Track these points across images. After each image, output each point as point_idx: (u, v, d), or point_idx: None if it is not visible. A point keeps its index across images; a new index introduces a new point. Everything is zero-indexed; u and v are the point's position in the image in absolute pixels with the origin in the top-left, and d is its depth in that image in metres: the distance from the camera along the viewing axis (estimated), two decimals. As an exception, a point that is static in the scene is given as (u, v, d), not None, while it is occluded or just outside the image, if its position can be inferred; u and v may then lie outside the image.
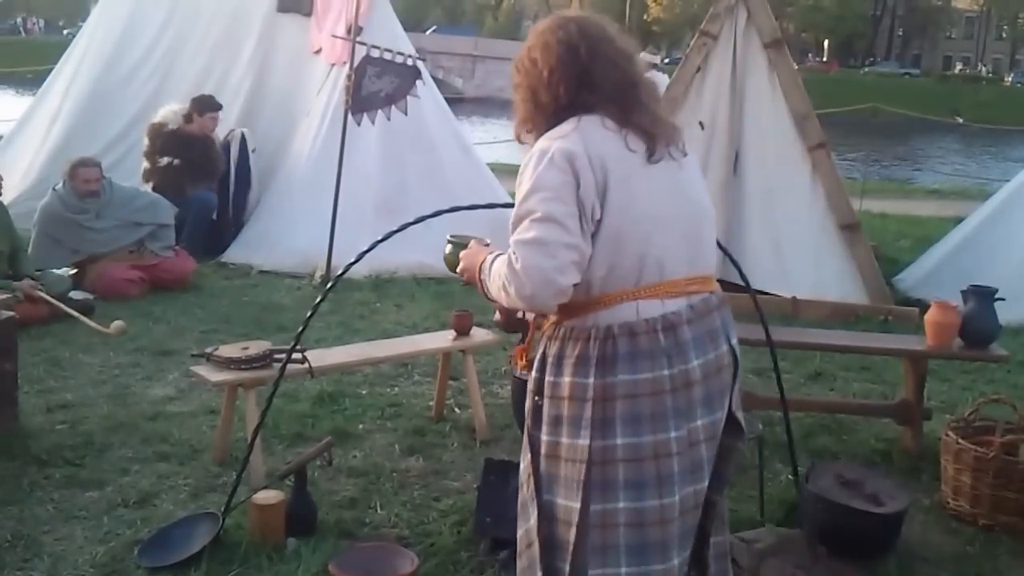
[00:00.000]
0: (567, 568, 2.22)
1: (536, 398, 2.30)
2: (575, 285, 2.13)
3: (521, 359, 2.67)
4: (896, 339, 4.71)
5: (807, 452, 4.17)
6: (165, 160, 7.50)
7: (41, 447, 3.96)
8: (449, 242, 2.62)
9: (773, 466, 3.97)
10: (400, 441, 4.23)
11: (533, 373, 2.33)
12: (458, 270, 2.46)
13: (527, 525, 2.31)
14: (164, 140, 7.54)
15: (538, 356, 2.32)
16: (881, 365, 5.56)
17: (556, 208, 2.08)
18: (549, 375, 2.26)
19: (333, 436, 3.94)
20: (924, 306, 4.62)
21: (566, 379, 2.22)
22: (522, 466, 2.35)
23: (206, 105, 7.70)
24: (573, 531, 2.20)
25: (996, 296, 4.21)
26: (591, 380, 2.18)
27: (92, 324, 5.32)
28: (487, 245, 2.41)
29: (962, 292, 4.32)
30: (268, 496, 3.29)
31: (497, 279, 2.18)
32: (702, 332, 2.25)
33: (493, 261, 2.26)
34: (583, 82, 2.22)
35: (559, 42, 2.24)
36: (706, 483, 2.27)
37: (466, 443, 4.22)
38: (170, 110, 7.70)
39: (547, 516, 2.26)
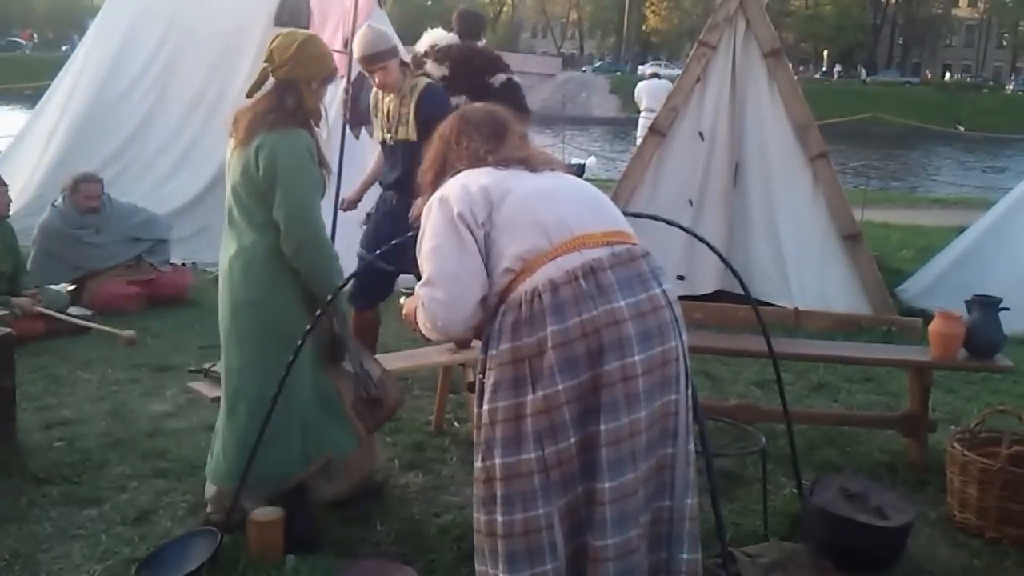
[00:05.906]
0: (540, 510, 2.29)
1: (480, 376, 2.41)
2: (482, 299, 2.38)
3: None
4: (900, 350, 4.68)
5: (811, 465, 4.13)
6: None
7: (39, 464, 3.94)
8: (402, 293, 2.79)
9: (776, 479, 3.94)
10: (400, 456, 4.21)
11: (479, 355, 2.45)
12: (403, 314, 2.73)
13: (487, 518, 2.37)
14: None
15: (484, 337, 2.44)
16: (885, 376, 5.52)
17: (439, 244, 2.38)
18: (491, 349, 2.37)
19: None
20: (928, 316, 4.59)
21: (505, 346, 2.33)
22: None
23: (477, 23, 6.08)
24: (535, 478, 2.29)
25: (1001, 306, 4.19)
26: (524, 340, 2.30)
27: (105, 328, 5.40)
28: None
29: (966, 302, 4.29)
30: (267, 513, 3.26)
31: (420, 320, 2.46)
32: (628, 275, 2.35)
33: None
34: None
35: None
36: (642, 413, 2.31)
37: (466, 457, 4.17)
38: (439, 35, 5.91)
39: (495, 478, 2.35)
